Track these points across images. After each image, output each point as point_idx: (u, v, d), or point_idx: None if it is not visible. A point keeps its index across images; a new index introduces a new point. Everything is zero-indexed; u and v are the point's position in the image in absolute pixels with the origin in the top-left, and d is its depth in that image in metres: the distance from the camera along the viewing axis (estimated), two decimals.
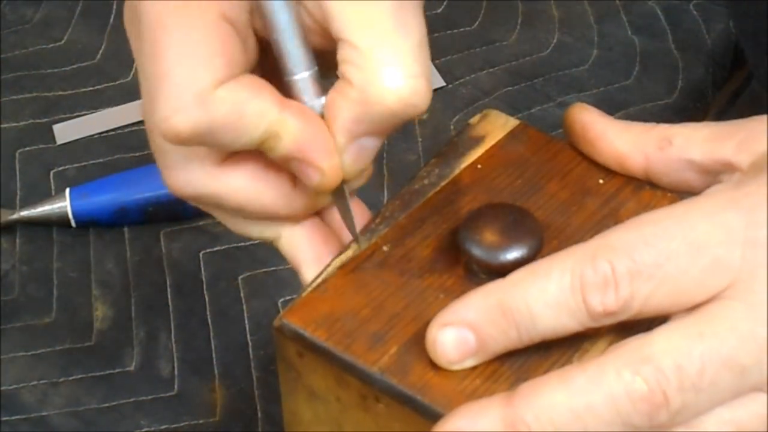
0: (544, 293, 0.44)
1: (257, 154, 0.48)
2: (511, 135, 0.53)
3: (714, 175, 0.49)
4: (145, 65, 0.47)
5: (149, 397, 0.68)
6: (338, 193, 0.49)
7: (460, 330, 0.44)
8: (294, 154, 0.47)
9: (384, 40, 0.45)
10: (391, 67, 0.45)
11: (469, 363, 0.45)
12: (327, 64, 0.48)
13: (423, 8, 0.47)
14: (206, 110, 0.45)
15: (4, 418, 0.67)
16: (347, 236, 0.50)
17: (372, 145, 0.48)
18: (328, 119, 0.47)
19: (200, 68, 0.45)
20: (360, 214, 0.51)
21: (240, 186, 0.49)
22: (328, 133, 0.47)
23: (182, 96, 0.45)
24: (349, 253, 0.49)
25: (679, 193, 0.50)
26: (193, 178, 0.49)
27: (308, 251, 0.51)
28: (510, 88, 0.83)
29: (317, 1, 0.46)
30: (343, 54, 0.46)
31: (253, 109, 0.45)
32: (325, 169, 0.47)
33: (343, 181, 0.48)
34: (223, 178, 0.49)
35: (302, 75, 0.47)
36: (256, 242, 0.75)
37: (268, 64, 0.49)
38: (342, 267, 0.48)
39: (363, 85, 0.45)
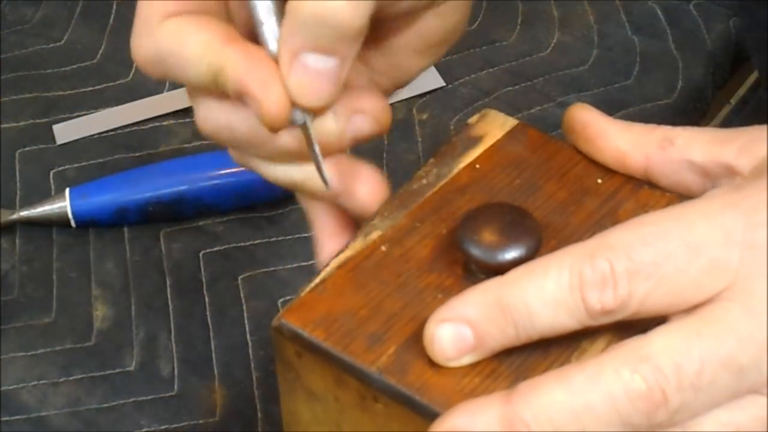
0: (542, 291, 0.44)
1: None
2: (510, 135, 0.53)
3: (714, 179, 0.49)
4: None
5: (149, 397, 0.68)
6: (305, 134, 0.48)
7: (458, 326, 0.44)
8: (237, 87, 0.46)
9: None
10: None
11: (467, 360, 0.45)
12: None
13: None
14: (153, 39, 0.48)
15: (4, 419, 0.67)
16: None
17: (318, 65, 0.46)
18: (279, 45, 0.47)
19: (154, 2, 0.48)
20: (377, 186, 0.51)
21: (244, 117, 0.49)
22: (270, 66, 0.46)
23: (139, 26, 0.49)
24: (348, 253, 0.49)
25: (678, 194, 0.50)
26: (209, 113, 0.50)
27: (325, 223, 0.53)
28: (510, 88, 0.83)
29: None
30: None
31: (195, 40, 0.47)
32: (260, 99, 0.46)
33: (307, 115, 0.47)
34: (231, 111, 0.49)
35: (267, 23, 0.47)
36: (256, 242, 0.75)
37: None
38: (340, 267, 0.48)
39: None
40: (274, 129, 0.47)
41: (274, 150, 0.50)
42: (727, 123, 0.82)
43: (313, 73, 0.46)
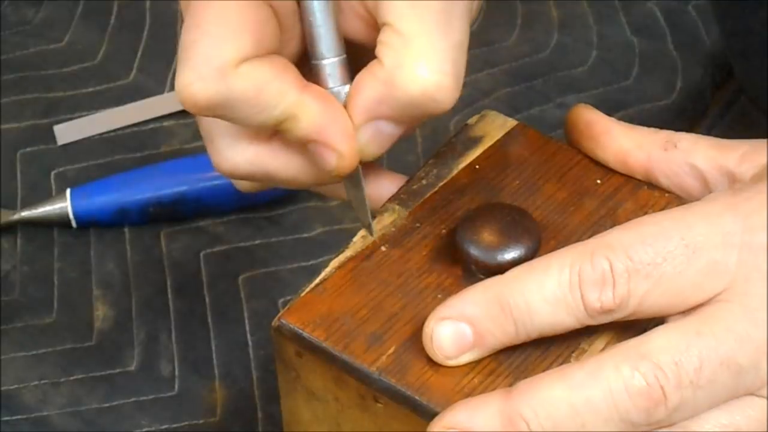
0: (542, 289, 0.44)
1: None
2: (509, 135, 0.53)
3: (713, 186, 0.49)
4: (182, 37, 0.47)
5: (150, 397, 0.68)
6: (353, 179, 0.50)
7: (458, 324, 0.45)
8: (312, 136, 0.47)
9: (426, 32, 0.46)
10: (424, 58, 0.46)
11: (466, 358, 0.45)
12: (362, 59, 0.48)
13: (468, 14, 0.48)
14: (225, 83, 0.46)
15: (4, 418, 0.67)
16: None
17: (389, 131, 0.48)
18: (351, 96, 0.48)
19: (227, 42, 0.46)
20: (392, 180, 0.52)
21: (288, 162, 0.50)
22: (347, 118, 0.48)
23: (204, 66, 0.46)
24: (347, 254, 0.49)
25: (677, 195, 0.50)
26: (244, 157, 0.49)
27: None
28: (509, 89, 0.83)
29: None
30: (383, 36, 0.47)
31: (273, 88, 0.46)
32: (342, 152, 0.47)
33: (359, 166, 0.49)
34: (274, 155, 0.49)
35: (330, 60, 0.48)
36: (256, 242, 0.75)
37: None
38: (340, 267, 0.48)
39: (392, 67, 0.46)
40: (340, 177, 0.49)
41: (312, 186, 0.51)
42: (709, 130, 0.82)
43: (381, 136, 0.48)
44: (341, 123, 0.47)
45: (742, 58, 0.72)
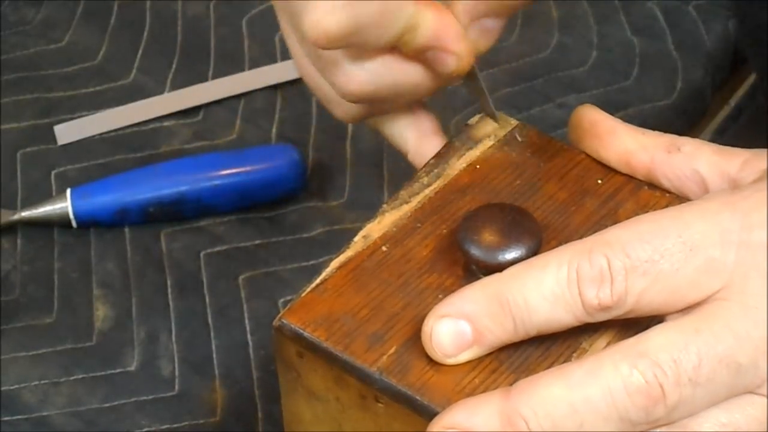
0: (540, 286, 0.44)
1: None
2: (510, 135, 0.53)
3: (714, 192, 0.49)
4: None
5: (150, 397, 0.68)
6: (471, 76, 0.53)
7: (457, 322, 0.45)
8: (431, 42, 0.50)
9: None
10: None
11: (465, 356, 0.45)
12: None
13: None
14: (352, 8, 0.48)
15: (5, 418, 0.67)
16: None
17: (493, 25, 0.52)
18: (452, 5, 0.51)
19: None
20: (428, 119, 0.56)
21: (414, 69, 0.52)
22: (458, 24, 0.51)
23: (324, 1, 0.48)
24: (348, 254, 0.49)
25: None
26: (374, 73, 0.52)
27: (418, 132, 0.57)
28: (510, 89, 0.84)
29: None
30: None
31: (393, 3, 0.49)
32: (460, 52, 0.51)
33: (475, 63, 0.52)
34: (401, 65, 0.52)
35: None
36: (256, 242, 0.75)
37: None
38: (341, 267, 0.48)
39: None
40: (459, 76, 0.52)
41: (431, 92, 0.53)
42: (723, 130, 0.82)
43: (487, 31, 0.52)
44: (455, 28, 0.51)
45: (761, 56, 0.72)
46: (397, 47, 0.51)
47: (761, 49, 0.72)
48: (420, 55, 0.51)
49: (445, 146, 0.53)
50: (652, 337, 0.43)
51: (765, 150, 0.48)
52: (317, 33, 0.48)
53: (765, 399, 0.44)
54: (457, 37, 0.51)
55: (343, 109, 0.55)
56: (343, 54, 0.51)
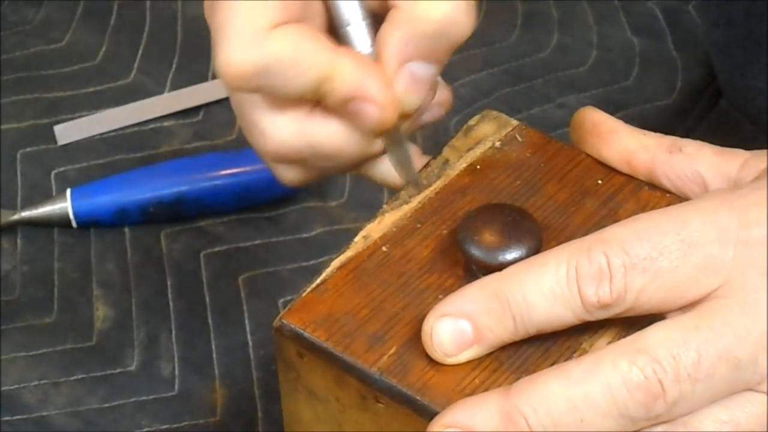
0: (539, 284, 0.44)
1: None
2: (510, 136, 0.53)
3: None
4: (214, 21, 0.49)
5: (150, 397, 0.68)
6: (394, 136, 0.50)
7: (457, 321, 0.45)
8: (350, 93, 0.48)
9: None
10: None
11: (466, 356, 0.45)
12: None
13: None
14: (262, 48, 0.47)
15: (5, 418, 0.67)
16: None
17: (423, 72, 0.49)
18: (378, 51, 0.49)
19: (257, 12, 0.47)
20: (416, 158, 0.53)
21: (333, 130, 0.50)
22: (382, 70, 0.49)
23: (241, 37, 0.47)
24: (348, 254, 0.49)
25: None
26: (288, 131, 0.50)
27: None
28: (510, 89, 0.84)
29: None
30: None
31: (307, 48, 0.47)
32: (383, 103, 0.48)
33: (399, 118, 0.50)
34: (318, 124, 0.50)
35: (355, 24, 0.49)
36: (256, 242, 0.75)
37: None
38: (341, 267, 0.48)
39: (408, 7, 0.47)
40: (382, 132, 0.49)
41: (357, 156, 0.51)
42: (691, 131, 0.82)
43: (417, 80, 0.49)
44: (376, 75, 0.48)
45: (722, 53, 0.72)
46: (319, 103, 0.49)
47: (725, 47, 0.72)
48: (342, 109, 0.49)
49: (445, 146, 0.53)
50: (651, 333, 0.43)
51: (765, 151, 0.49)
52: (225, 71, 0.47)
53: (765, 396, 0.44)
54: (380, 85, 0.48)
55: (277, 171, 0.53)
56: (259, 107, 0.49)
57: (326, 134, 0.50)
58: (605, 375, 0.42)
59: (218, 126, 0.82)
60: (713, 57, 0.74)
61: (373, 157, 0.52)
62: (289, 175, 0.53)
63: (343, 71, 0.48)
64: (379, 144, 0.51)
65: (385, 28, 0.48)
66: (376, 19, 0.50)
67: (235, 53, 0.47)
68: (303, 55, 0.47)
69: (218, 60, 0.47)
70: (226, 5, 0.48)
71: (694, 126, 0.81)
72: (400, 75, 0.49)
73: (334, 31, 0.50)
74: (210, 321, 0.71)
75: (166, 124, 0.82)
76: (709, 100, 0.82)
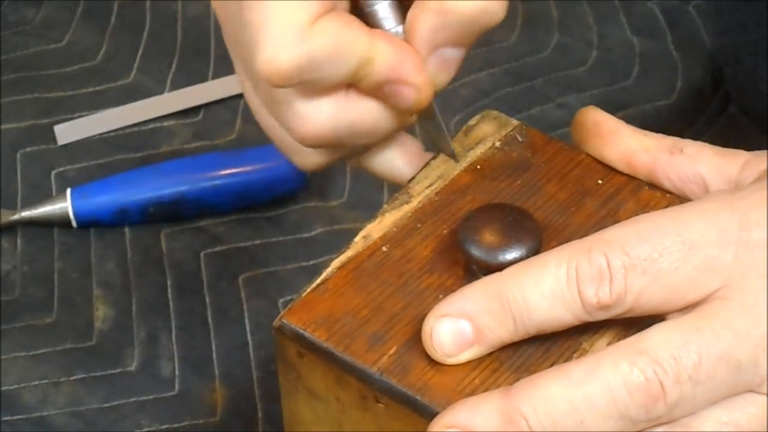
0: (539, 284, 0.44)
1: None
2: (510, 136, 0.53)
3: None
4: (243, 21, 0.48)
5: (150, 397, 0.68)
6: (429, 112, 0.51)
7: (458, 321, 0.45)
8: (388, 76, 0.48)
9: None
10: None
11: (466, 356, 0.45)
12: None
13: None
14: (307, 44, 0.47)
15: (5, 418, 0.67)
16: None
17: (454, 55, 0.49)
18: (409, 34, 0.49)
19: (297, 8, 0.47)
20: (411, 140, 0.54)
21: (370, 108, 0.50)
22: (416, 53, 0.49)
23: (283, 35, 0.47)
24: (348, 254, 0.49)
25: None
26: (328, 114, 0.50)
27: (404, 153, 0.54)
28: (510, 89, 0.84)
29: None
30: None
31: (347, 37, 0.47)
32: (419, 85, 0.49)
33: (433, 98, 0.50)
34: (356, 105, 0.50)
35: (381, 3, 0.50)
36: (256, 242, 0.75)
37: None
38: (341, 267, 0.48)
39: None
40: (419, 110, 0.50)
41: (393, 131, 0.52)
42: (698, 137, 0.82)
43: (447, 62, 0.50)
44: (412, 58, 0.49)
45: (734, 60, 0.72)
46: (353, 84, 0.49)
47: (736, 53, 0.72)
48: (378, 90, 0.49)
49: None
50: (652, 335, 0.43)
51: (765, 151, 0.49)
52: (270, 70, 0.47)
53: (765, 398, 0.44)
54: (416, 68, 0.49)
55: (303, 157, 0.53)
56: (296, 95, 0.49)
57: (364, 113, 0.50)
58: (606, 376, 0.42)
59: (218, 126, 0.82)
60: (722, 63, 0.74)
61: (407, 126, 0.53)
62: (314, 160, 0.53)
63: (382, 56, 0.48)
64: (413, 117, 0.52)
65: (416, 13, 0.48)
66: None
67: (280, 52, 0.47)
68: (344, 44, 0.47)
69: (260, 59, 0.47)
70: (262, 3, 0.47)
71: (703, 131, 0.81)
72: (431, 59, 0.49)
73: (359, 9, 0.50)
74: (210, 321, 0.71)
75: (166, 124, 0.82)
76: (717, 105, 0.82)
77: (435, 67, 0.49)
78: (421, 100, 0.49)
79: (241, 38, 0.49)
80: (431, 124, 0.52)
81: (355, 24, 0.48)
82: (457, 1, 0.47)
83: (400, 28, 0.50)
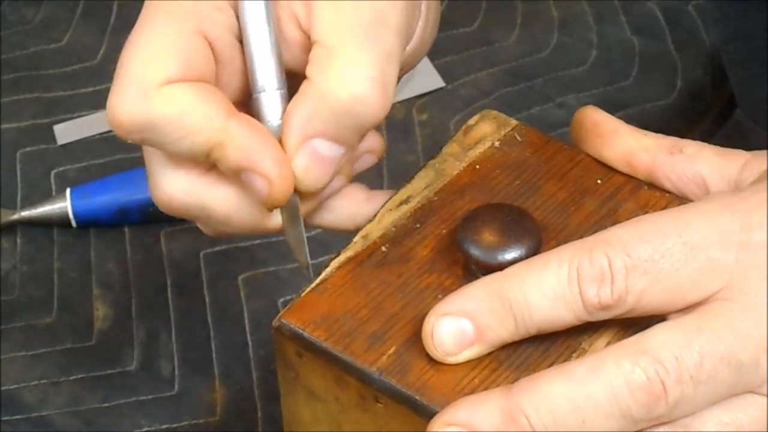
0: (540, 284, 0.44)
1: None
2: (510, 135, 0.53)
3: None
4: (119, 61, 0.47)
5: (150, 397, 0.68)
6: (290, 213, 0.49)
7: (459, 320, 0.45)
8: (241, 163, 0.46)
9: (351, 42, 0.46)
10: (349, 65, 0.45)
11: (466, 355, 0.45)
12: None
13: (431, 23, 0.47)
14: (148, 104, 0.45)
15: (4, 418, 0.67)
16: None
17: (328, 152, 0.47)
18: (284, 120, 0.47)
19: (152, 64, 0.46)
20: (356, 187, 0.52)
21: (225, 196, 0.49)
22: (277, 144, 0.47)
23: (129, 87, 0.45)
24: (348, 254, 0.49)
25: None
26: (179, 188, 0.49)
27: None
28: (509, 89, 0.83)
29: (306, 1, 0.47)
30: (312, 54, 0.46)
31: (197, 112, 0.46)
32: (272, 178, 0.46)
33: (297, 195, 0.48)
34: (210, 188, 0.49)
35: (268, 92, 0.47)
36: (256, 242, 0.75)
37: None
38: (341, 267, 0.48)
39: (318, 80, 0.46)
40: (274, 207, 0.48)
41: (250, 226, 0.50)
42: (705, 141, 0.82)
43: (320, 159, 0.47)
44: (270, 148, 0.46)
45: (739, 66, 0.72)
46: (213, 165, 0.47)
47: (742, 59, 0.72)
48: (236, 177, 0.47)
49: (445, 146, 0.53)
50: (654, 335, 0.43)
51: (765, 151, 0.49)
52: (110, 119, 0.46)
53: (766, 399, 0.44)
54: (272, 158, 0.46)
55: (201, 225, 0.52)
56: (156, 156, 0.48)
57: (218, 198, 0.48)
58: (608, 375, 0.42)
59: None
60: (728, 70, 0.74)
61: (271, 232, 0.50)
62: (200, 227, 0.52)
63: (235, 140, 0.46)
64: (276, 218, 0.49)
65: (294, 99, 0.47)
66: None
67: (120, 104, 0.45)
68: (191, 118, 0.45)
69: (108, 104, 0.46)
70: (129, 49, 0.46)
71: (706, 138, 0.81)
72: (301, 152, 0.47)
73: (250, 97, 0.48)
74: (210, 321, 0.71)
75: None
76: (722, 111, 0.82)
77: (305, 162, 0.47)
78: (275, 195, 0.47)
79: None
80: (292, 227, 0.49)
81: (215, 101, 0.46)
82: (332, 87, 0.45)
83: (280, 123, 0.47)
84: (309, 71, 0.46)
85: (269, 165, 0.46)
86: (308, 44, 0.48)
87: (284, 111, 0.47)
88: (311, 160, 0.47)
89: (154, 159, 0.49)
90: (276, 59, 0.47)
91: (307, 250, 0.49)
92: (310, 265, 0.50)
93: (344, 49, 0.46)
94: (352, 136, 0.47)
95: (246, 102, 0.49)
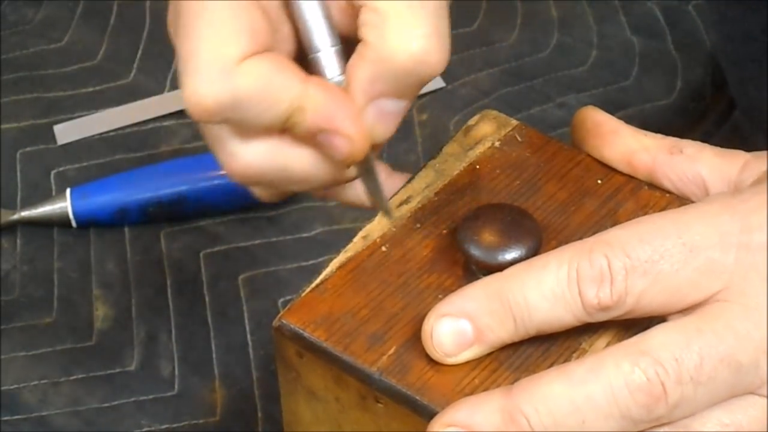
0: (540, 285, 0.44)
1: None
2: (510, 136, 0.53)
3: (715, 193, 0.49)
4: (179, 50, 0.47)
5: (150, 397, 0.68)
6: (366, 165, 0.49)
7: (458, 321, 0.45)
8: (320, 124, 0.47)
9: (401, 3, 0.46)
10: (405, 26, 0.46)
11: (466, 356, 0.45)
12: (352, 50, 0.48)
13: None
14: (231, 82, 0.45)
15: (4, 418, 0.67)
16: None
17: (393, 108, 0.48)
18: (347, 83, 0.47)
19: (226, 43, 0.45)
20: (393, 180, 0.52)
21: (304, 156, 0.49)
22: (351, 101, 0.47)
23: (208, 70, 0.45)
24: (348, 254, 0.49)
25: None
26: (259, 155, 0.48)
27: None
28: (509, 89, 0.84)
29: None
30: (362, 18, 0.47)
31: (277, 81, 0.46)
32: (352, 136, 0.47)
33: (370, 151, 0.49)
34: (290, 150, 0.49)
35: (325, 51, 0.48)
36: (256, 242, 0.75)
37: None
38: (341, 267, 0.48)
39: (377, 43, 0.46)
40: (354, 162, 0.48)
41: (328, 182, 0.50)
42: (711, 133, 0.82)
43: (386, 115, 0.48)
44: (347, 108, 0.47)
45: (737, 67, 0.72)
46: (287, 129, 0.48)
47: (740, 60, 0.72)
48: (311, 139, 0.47)
49: (445, 146, 0.53)
50: (654, 335, 0.43)
51: (765, 152, 0.49)
52: (192, 105, 0.45)
53: (766, 400, 0.44)
54: (350, 119, 0.47)
55: (252, 190, 0.52)
56: (228, 130, 0.48)
57: (296, 160, 0.49)
58: (608, 376, 0.42)
59: None
60: (726, 71, 0.74)
61: (346, 182, 0.51)
62: (260, 194, 0.52)
63: (314, 103, 0.46)
64: (350, 171, 0.50)
65: (354, 62, 0.47)
66: (350, 42, 0.48)
67: (202, 87, 0.45)
68: (273, 88, 0.46)
69: (185, 93, 0.46)
70: (194, 33, 0.46)
71: (706, 137, 0.81)
72: (368, 110, 0.47)
73: (304, 56, 0.49)
74: (210, 321, 0.71)
75: (165, 123, 0.82)
76: (721, 113, 0.82)
77: (373, 119, 0.48)
78: (354, 152, 0.47)
79: (179, 68, 0.47)
80: (369, 179, 0.50)
81: (289, 69, 0.46)
82: (392, 50, 0.46)
83: (342, 78, 0.48)
84: (365, 34, 0.46)
85: (348, 124, 0.47)
86: (346, 6, 0.48)
87: (343, 66, 0.48)
88: (378, 116, 0.48)
89: (223, 134, 0.48)
90: (326, 18, 0.48)
91: (385, 195, 0.50)
92: (391, 210, 0.50)
93: (395, 10, 0.46)
94: (414, 90, 0.48)
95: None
